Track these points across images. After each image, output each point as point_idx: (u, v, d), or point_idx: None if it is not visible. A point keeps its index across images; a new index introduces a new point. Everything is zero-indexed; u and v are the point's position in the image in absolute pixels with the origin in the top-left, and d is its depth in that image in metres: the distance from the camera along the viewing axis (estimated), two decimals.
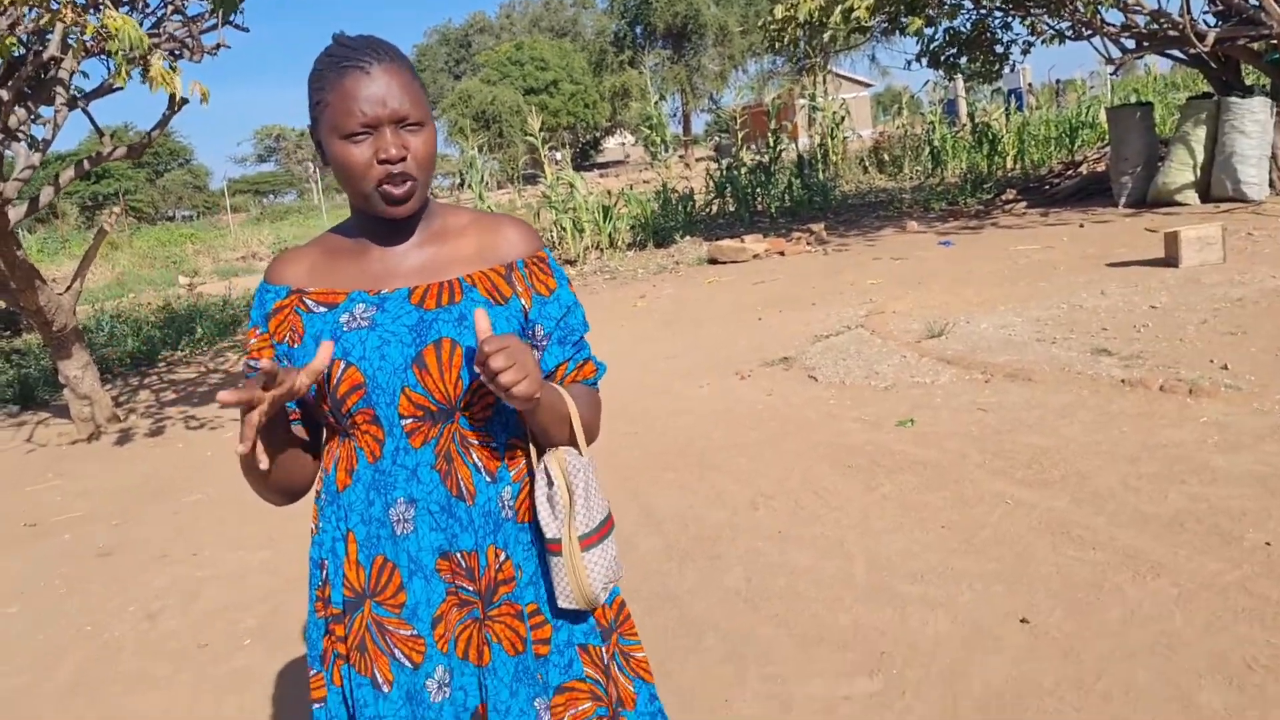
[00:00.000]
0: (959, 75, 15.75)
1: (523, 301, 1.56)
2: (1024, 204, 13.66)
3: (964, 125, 20.72)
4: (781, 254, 12.07)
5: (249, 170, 69.10)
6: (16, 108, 6.47)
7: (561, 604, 1.52)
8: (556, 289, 1.60)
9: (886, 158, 21.38)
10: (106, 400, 7.83)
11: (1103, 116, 16.98)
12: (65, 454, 7.27)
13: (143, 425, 7.75)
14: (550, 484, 1.52)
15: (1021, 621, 3.15)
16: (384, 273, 1.56)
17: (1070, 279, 8.16)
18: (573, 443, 1.55)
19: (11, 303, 7.41)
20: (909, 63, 15.13)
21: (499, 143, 40.01)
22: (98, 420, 7.62)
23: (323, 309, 1.54)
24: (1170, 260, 8.00)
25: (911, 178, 19.76)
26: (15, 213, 6.77)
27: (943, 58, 14.60)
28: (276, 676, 3.54)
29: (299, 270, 1.59)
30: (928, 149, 19.63)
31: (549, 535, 1.51)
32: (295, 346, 1.53)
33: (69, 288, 7.60)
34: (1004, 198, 14.37)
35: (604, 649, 1.62)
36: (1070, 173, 14.96)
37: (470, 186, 15.66)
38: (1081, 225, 11.10)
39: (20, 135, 6.69)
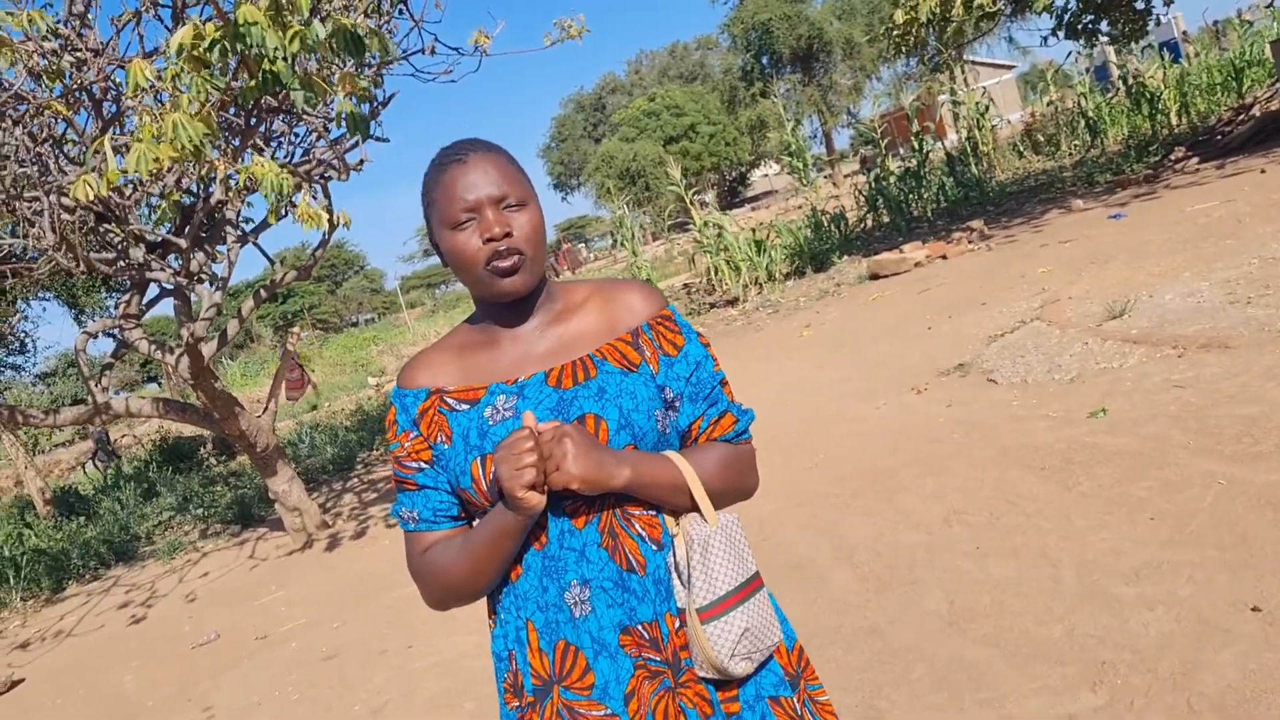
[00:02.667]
0: (1101, 40, 15.04)
1: (651, 367, 1.56)
2: (1195, 160, 12.87)
3: (1118, 89, 19.73)
4: (944, 257, 11.73)
5: (418, 266, 72.32)
6: (196, 252, 6.99)
7: (698, 673, 1.49)
8: (685, 346, 1.60)
9: (1040, 138, 20.56)
10: (314, 509, 8.27)
11: (1268, 52, 15.88)
12: (284, 565, 7.70)
13: (349, 528, 8.14)
14: (675, 554, 1.51)
15: (1253, 610, 2.91)
16: (517, 360, 1.59)
17: (1258, 231, 7.61)
18: (698, 509, 1.53)
19: (216, 430, 7.94)
20: (1044, 39, 14.56)
21: (646, 196, 40.57)
22: (308, 529, 8.05)
23: (465, 406, 1.57)
24: None
25: (1070, 154, 18.93)
26: (208, 349, 7.28)
27: (1080, 26, 13.99)
28: None
29: (433, 372, 1.63)
30: (1083, 121, 18.76)
31: (678, 605, 1.50)
32: (448, 447, 1.56)
33: (265, 409, 8.10)
34: (1173, 157, 13.58)
35: (794, 699, 1.58)
36: (1242, 118, 14.01)
37: (623, 244, 15.91)
38: (1263, 171, 10.37)
39: (202, 277, 7.21)
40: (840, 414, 6.48)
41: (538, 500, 1.42)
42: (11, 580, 9.26)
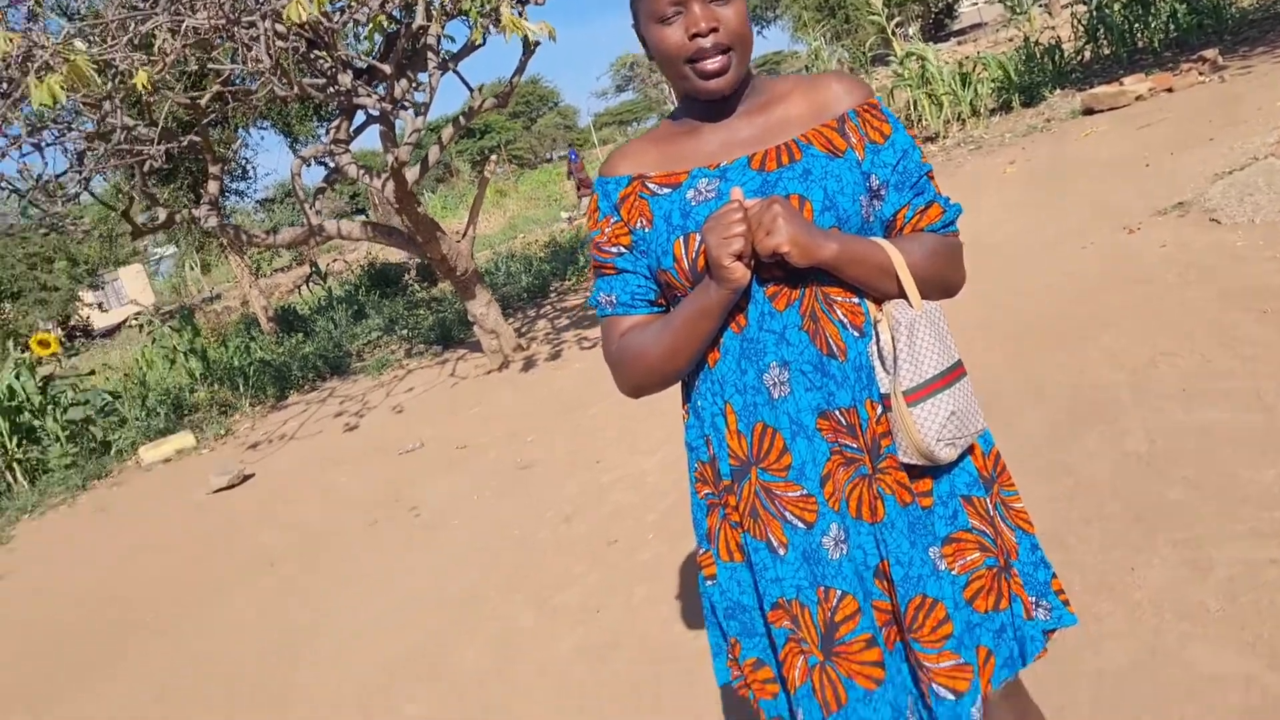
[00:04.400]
0: None
1: (856, 153, 1.53)
2: None
3: None
4: (1169, 90, 10.79)
5: (611, 102, 71.95)
6: (399, 79, 7.17)
7: (901, 459, 1.49)
8: (891, 134, 1.57)
9: None
10: (510, 332, 8.61)
11: None
12: (482, 383, 8.10)
13: (543, 351, 8.45)
14: (879, 339, 1.49)
15: None
16: (720, 147, 1.58)
17: None
18: (904, 295, 1.50)
19: (419, 254, 8.30)
20: None
21: (845, 29, 38.77)
22: (505, 351, 8.40)
23: (666, 190, 1.58)
24: None
25: None
26: (411, 174, 7.54)
27: None
28: (679, 566, 3.78)
29: (634, 160, 1.64)
30: None
31: (881, 390, 1.49)
32: (648, 230, 1.58)
33: (464, 235, 8.38)
34: None
35: (987, 500, 1.58)
36: None
37: None
38: None
39: (405, 104, 7.41)
40: (1043, 252, 6.18)
41: (743, 273, 1.43)
42: (241, 388, 10.12)
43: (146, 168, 7.84)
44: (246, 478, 7.31)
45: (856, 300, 1.52)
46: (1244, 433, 3.31)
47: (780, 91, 1.61)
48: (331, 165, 7.94)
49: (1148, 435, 3.53)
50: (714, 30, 1.48)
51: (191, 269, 30.08)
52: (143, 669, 4.46)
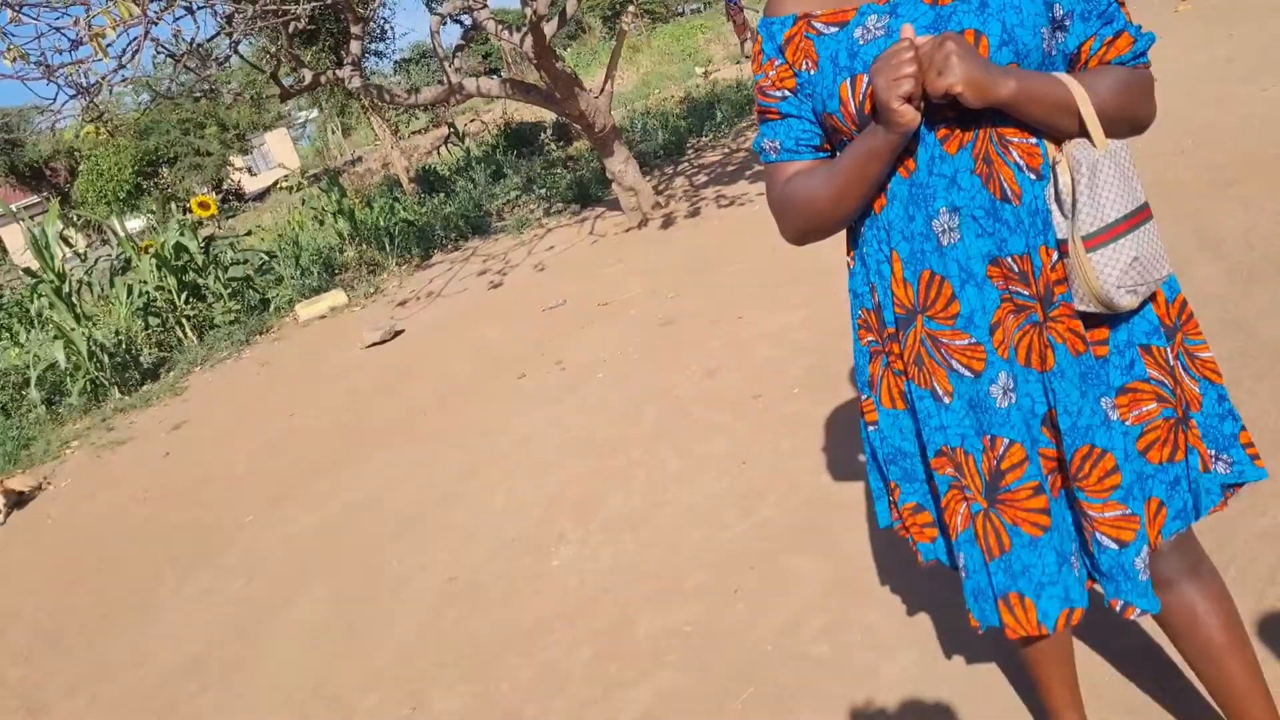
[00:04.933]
0: None
1: None
2: None
3: None
4: None
5: None
6: None
7: (1078, 306, 1.43)
8: None
9: None
10: (648, 190, 8.57)
11: None
12: (621, 240, 8.13)
13: (681, 209, 8.41)
14: (1058, 181, 1.42)
15: None
16: None
17: None
18: (1085, 134, 1.42)
19: (558, 111, 8.27)
20: None
21: None
22: (643, 209, 8.39)
23: (833, 29, 1.50)
24: None
25: None
26: (549, 28, 7.46)
27: None
28: (825, 419, 3.79)
29: None
30: None
31: (1058, 236, 1.43)
32: (813, 72, 1.52)
33: (602, 90, 8.29)
34: None
35: (1168, 350, 1.52)
36: None
37: None
38: None
39: None
40: (1219, 97, 5.78)
41: (913, 115, 1.36)
42: (387, 247, 10.41)
43: (291, 29, 7.97)
44: (398, 333, 7.58)
45: (1034, 141, 1.44)
46: None
47: None
48: (469, 22, 7.91)
49: None
50: None
51: (333, 132, 30.70)
52: (311, 508, 4.77)
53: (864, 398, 1.69)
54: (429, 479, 4.64)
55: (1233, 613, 1.64)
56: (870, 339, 1.64)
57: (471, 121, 19.22)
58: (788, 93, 1.57)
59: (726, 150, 10.55)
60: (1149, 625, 2.20)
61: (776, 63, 1.57)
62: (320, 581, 4.00)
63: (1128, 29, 1.46)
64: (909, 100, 1.36)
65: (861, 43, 1.47)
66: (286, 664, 3.46)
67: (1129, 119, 1.48)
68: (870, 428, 1.69)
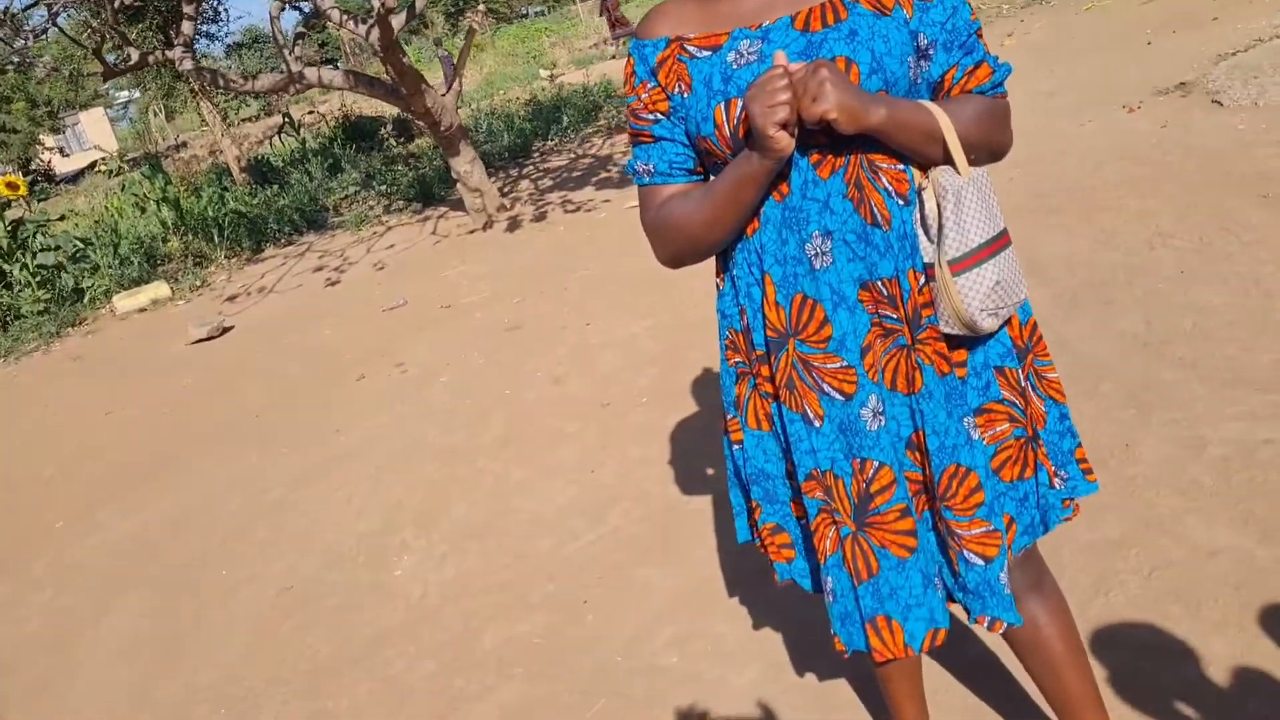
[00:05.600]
0: None
1: (904, 11, 1.46)
2: None
3: None
4: None
5: None
6: None
7: (943, 329, 1.47)
8: None
9: None
10: (494, 191, 8.47)
11: None
12: (465, 242, 8.01)
13: (527, 212, 8.34)
14: (924, 207, 1.46)
15: None
16: (762, 6, 1.50)
17: None
18: (950, 161, 1.46)
19: (403, 107, 8.08)
20: None
21: None
22: (489, 210, 8.28)
23: (706, 52, 1.50)
24: None
25: None
26: (397, 21, 7.28)
27: None
28: (673, 429, 3.81)
29: (672, 21, 1.56)
30: None
31: (925, 260, 1.47)
32: (687, 95, 1.52)
33: (449, 88, 8.15)
34: None
35: (1020, 371, 1.58)
36: None
37: None
38: None
39: None
40: (1042, 129, 6.11)
41: (788, 142, 1.37)
42: (216, 239, 9.96)
43: (117, 3, 7.52)
44: (226, 329, 7.26)
45: (902, 167, 1.47)
46: (1241, 316, 3.34)
47: None
48: (310, 9, 7.64)
49: (1144, 316, 3.55)
50: None
51: (156, 115, 29.22)
52: (129, 514, 4.49)
53: (729, 417, 1.69)
54: (260, 484, 4.45)
55: (1071, 625, 1.72)
56: (738, 360, 1.64)
57: (309, 113, 18.62)
58: (661, 116, 1.56)
59: (573, 155, 10.53)
60: (987, 636, 2.29)
61: (649, 85, 1.57)
62: (138, 592, 3.77)
63: (987, 60, 1.52)
64: (784, 126, 1.37)
65: (735, 67, 1.47)
66: (99, 684, 3.25)
67: (989, 145, 1.53)
68: (735, 446, 1.70)
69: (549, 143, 11.65)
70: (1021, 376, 1.58)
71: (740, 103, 1.44)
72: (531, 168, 10.51)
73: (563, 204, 8.23)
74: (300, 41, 7.94)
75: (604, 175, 8.90)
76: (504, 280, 6.58)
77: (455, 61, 8.49)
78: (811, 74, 1.35)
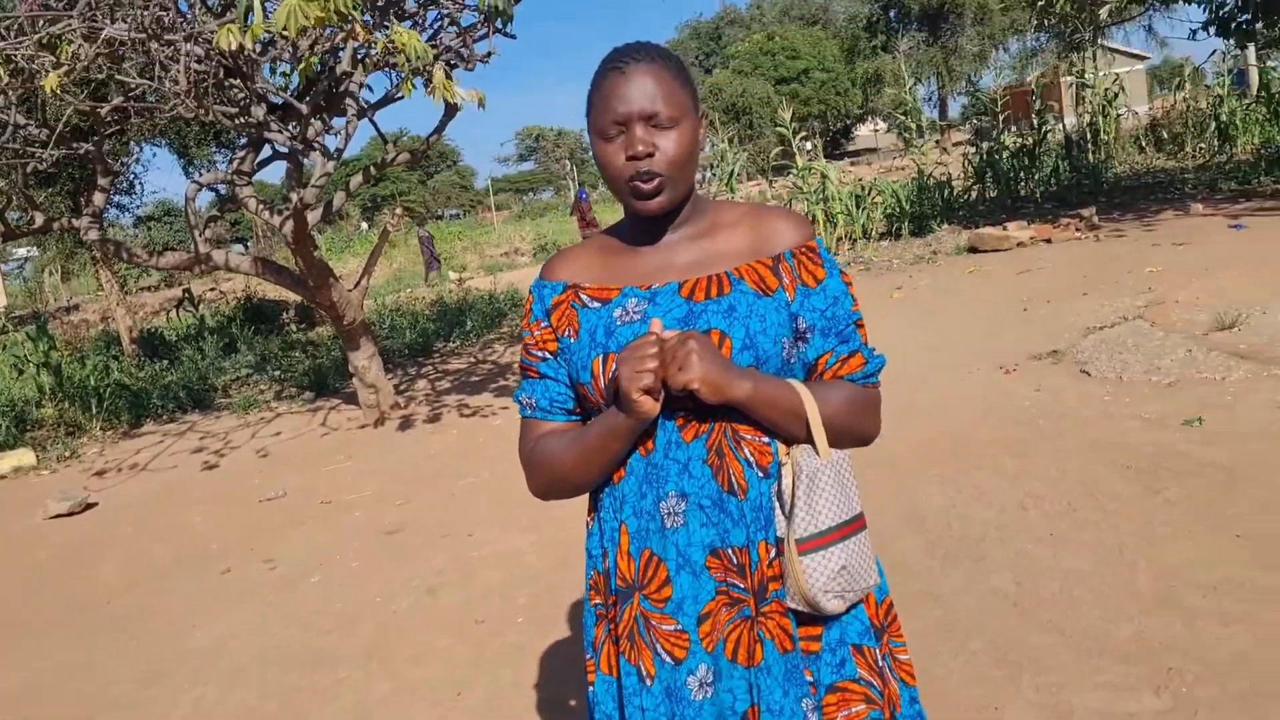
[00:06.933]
0: (1253, 44, 14.36)
1: (787, 294, 1.55)
2: None
3: (1257, 97, 18.87)
4: (1048, 241, 11.47)
5: (510, 170, 72.41)
6: (314, 120, 7.06)
7: (789, 604, 1.49)
8: (825, 279, 1.58)
9: (1165, 135, 19.79)
10: (390, 389, 8.45)
11: None
12: (354, 437, 7.90)
13: (421, 412, 8.30)
14: (782, 482, 1.51)
15: None
16: (656, 269, 1.59)
17: None
18: (812, 441, 1.51)
19: (309, 298, 8.11)
20: (1194, 32, 13.94)
21: (749, 134, 40.00)
22: (382, 407, 8.22)
23: (597, 304, 1.59)
24: None
25: (1195, 157, 18.23)
26: (313, 217, 7.40)
27: (1234, 24, 13.37)
28: (546, 653, 3.71)
29: (575, 267, 1.66)
30: (1214, 124, 18.00)
31: (778, 533, 1.50)
32: (574, 341, 1.59)
33: (357, 284, 8.23)
34: None
35: (878, 650, 1.59)
36: None
37: (719, 179, 15.77)
38: None
39: (316, 145, 7.29)
40: (923, 382, 6.41)
41: (651, 406, 1.43)
42: (94, 409, 9.62)
43: (30, 169, 7.50)
44: (89, 506, 6.92)
45: (766, 440, 1.53)
46: (1105, 585, 3.46)
47: (728, 219, 1.62)
48: (230, 194, 7.73)
49: (1014, 576, 3.66)
50: (649, 155, 1.50)
51: (51, 275, 28.68)
52: None
53: (587, 657, 1.68)
54: (105, 676, 4.15)
55: None
56: (599, 601, 1.65)
57: (211, 289, 18.52)
58: (548, 355, 1.63)
59: (473, 360, 10.62)
60: None
61: (542, 324, 1.65)
62: None
63: (861, 350, 1.61)
64: (649, 392, 1.43)
65: (619, 323, 1.55)
66: None
67: (854, 432, 1.60)
68: (589, 687, 1.68)
69: (451, 344, 11.75)
70: (879, 656, 1.59)
71: (616, 359, 1.50)
72: (431, 368, 10.54)
73: (459, 407, 8.24)
74: (213, 224, 7.99)
75: (502, 383, 8.96)
76: (390, 480, 6.47)
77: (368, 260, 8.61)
78: (680, 344, 1.43)
